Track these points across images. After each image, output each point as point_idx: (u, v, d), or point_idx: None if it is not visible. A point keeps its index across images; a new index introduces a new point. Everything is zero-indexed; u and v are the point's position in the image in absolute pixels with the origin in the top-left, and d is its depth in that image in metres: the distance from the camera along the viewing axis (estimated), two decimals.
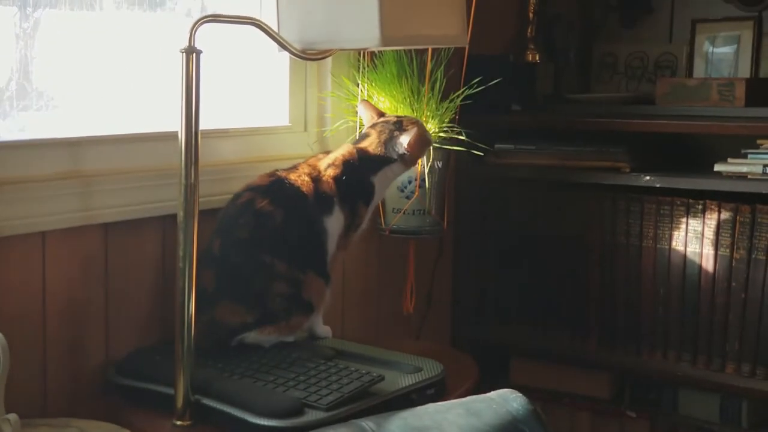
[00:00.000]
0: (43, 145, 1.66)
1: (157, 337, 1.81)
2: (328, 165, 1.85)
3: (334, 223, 1.83)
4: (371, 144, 1.89)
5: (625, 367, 2.41)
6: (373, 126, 1.92)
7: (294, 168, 1.85)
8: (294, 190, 1.79)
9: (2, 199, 1.54)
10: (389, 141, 1.88)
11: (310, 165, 1.85)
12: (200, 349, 1.60)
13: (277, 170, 1.83)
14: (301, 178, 1.81)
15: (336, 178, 1.83)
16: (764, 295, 2.21)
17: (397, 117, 1.94)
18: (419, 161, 2.05)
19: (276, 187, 1.79)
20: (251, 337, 1.75)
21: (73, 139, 1.71)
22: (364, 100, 2.03)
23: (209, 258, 1.72)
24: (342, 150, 1.88)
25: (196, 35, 1.53)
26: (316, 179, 1.82)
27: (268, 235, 1.75)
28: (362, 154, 1.88)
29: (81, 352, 1.71)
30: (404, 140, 1.87)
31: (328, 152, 1.91)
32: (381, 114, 1.95)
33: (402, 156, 1.89)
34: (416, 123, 1.91)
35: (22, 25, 1.70)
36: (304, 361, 1.69)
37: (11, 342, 1.41)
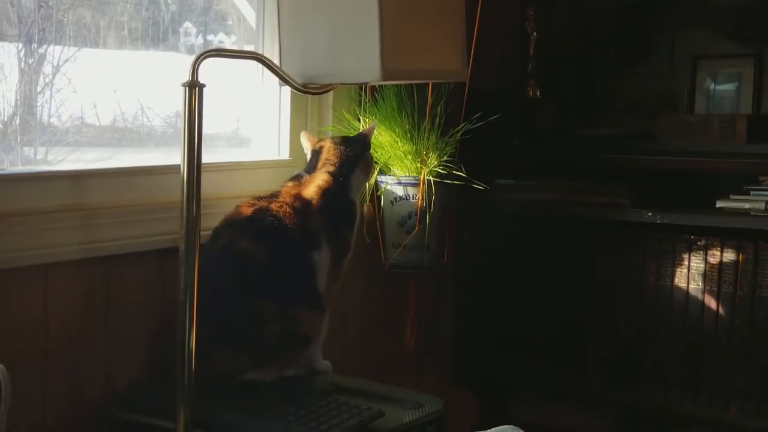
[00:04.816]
0: (46, 178, 1.66)
1: (158, 371, 1.80)
2: (311, 197, 1.82)
3: (323, 256, 1.80)
4: (329, 153, 1.88)
5: (627, 404, 2.39)
6: (322, 142, 1.91)
7: (275, 196, 1.81)
8: (277, 222, 1.76)
9: (5, 232, 1.55)
10: (347, 142, 1.89)
11: (293, 195, 1.82)
12: (201, 387, 1.59)
13: (259, 198, 1.80)
14: (283, 209, 1.77)
15: (321, 210, 1.81)
16: None
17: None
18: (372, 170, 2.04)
19: (257, 221, 1.75)
20: (251, 376, 1.74)
21: (76, 172, 1.71)
22: (305, 132, 2.00)
23: (200, 308, 1.61)
24: (318, 180, 1.85)
25: (199, 69, 1.54)
26: (300, 212, 1.79)
27: (253, 278, 1.72)
28: (335, 174, 1.85)
29: (82, 384, 1.70)
30: (367, 132, 1.93)
31: (299, 176, 1.88)
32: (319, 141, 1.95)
33: (363, 152, 1.89)
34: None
35: (27, 61, 1.71)
36: (303, 397, 1.68)
37: (13, 374, 1.41)
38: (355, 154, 1.88)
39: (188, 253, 1.54)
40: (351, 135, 2.00)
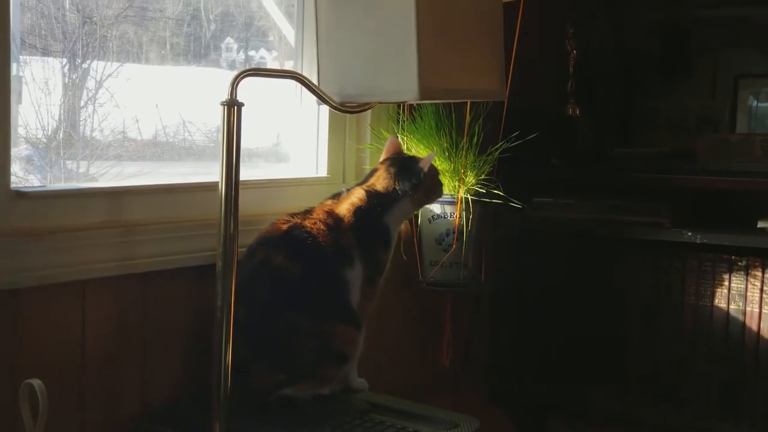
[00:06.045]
0: (86, 194, 1.68)
1: (194, 386, 1.81)
2: (343, 215, 1.81)
3: (355, 274, 1.79)
4: (379, 179, 1.87)
5: (666, 426, 2.37)
6: (383, 161, 1.91)
7: (309, 213, 1.81)
8: (311, 239, 1.75)
9: (45, 248, 1.56)
10: (401, 171, 1.86)
11: (326, 212, 1.81)
12: (237, 402, 1.60)
13: (293, 215, 1.80)
14: (317, 226, 1.77)
15: (353, 228, 1.80)
16: None
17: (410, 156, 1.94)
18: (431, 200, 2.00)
19: (291, 238, 1.75)
20: (287, 392, 1.73)
21: (114, 189, 1.73)
22: (396, 136, 2.00)
23: (236, 325, 1.61)
24: (353, 197, 1.84)
25: (237, 88, 1.55)
26: (333, 229, 1.78)
27: (288, 293, 1.72)
28: (371, 195, 1.84)
29: (118, 400, 1.71)
30: (423, 164, 1.87)
31: (339, 194, 1.87)
32: (398, 152, 1.94)
33: (415, 187, 1.86)
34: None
35: (71, 76, 1.74)
36: (339, 415, 1.68)
37: (50, 388, 1.42)
38: (404, 190, 1.85)
39: (225, 270, 1.55)
40: (414, 158, 1.94)
